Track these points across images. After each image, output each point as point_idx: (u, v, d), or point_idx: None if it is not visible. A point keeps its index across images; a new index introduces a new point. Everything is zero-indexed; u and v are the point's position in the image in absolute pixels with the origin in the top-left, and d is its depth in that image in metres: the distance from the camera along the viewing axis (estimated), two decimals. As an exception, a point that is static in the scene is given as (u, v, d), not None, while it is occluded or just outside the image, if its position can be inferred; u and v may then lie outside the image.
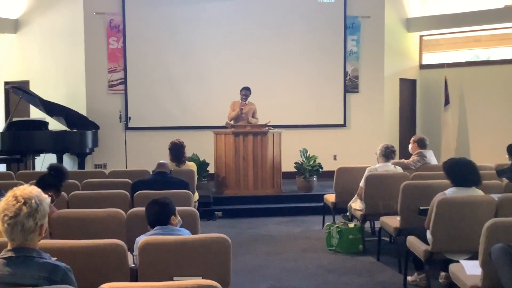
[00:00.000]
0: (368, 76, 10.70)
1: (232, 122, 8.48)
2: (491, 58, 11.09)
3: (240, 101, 8.53)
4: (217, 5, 10.27)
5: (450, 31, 11.32)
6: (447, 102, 10.94)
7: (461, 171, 4.26)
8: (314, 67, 10.48)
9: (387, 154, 5.95)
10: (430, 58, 11.69)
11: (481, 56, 11.31)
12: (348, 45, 10.62)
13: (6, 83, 10.55)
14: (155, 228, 3.29)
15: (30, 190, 2.26)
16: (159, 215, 3.33)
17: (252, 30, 10.35)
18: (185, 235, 3.28)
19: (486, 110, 10.81)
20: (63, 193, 4.62)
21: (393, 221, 5.21)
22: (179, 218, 3.47)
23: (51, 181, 4.13)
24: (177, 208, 3.54)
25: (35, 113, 9.88)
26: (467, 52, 11.41)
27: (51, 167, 4.41)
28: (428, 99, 11.55)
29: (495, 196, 4.24)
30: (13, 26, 10.60)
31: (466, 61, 11.23)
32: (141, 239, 3.06)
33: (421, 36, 11.63)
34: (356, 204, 5.99)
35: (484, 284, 3.31)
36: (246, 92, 8.50)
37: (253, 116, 8.62)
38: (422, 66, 11.66)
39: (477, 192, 4.27)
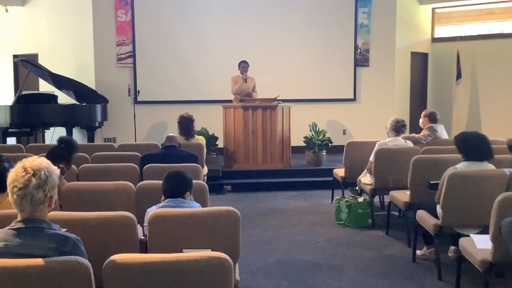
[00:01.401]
0: (379, 49, 10.56)
1: (238, 96, 8.47)
2: (504, 31, 10.90)
3: (241, 75, 8.53)
4: (226, -23, 10.14)
5: (462, 4, 11.11)
6: (459, 76, 10.81)
7: (473, 145, 4.21)
8: (324, 40, 10.35)
9: (397, 128, 5.91)
10: (442, 31, 11.51)
11: (494, 29, 11.11)
12: (359, 17, 10.46)
13: (15, 56, 10.54)
14: (166, 200, 3.28)
15: (39, 161, 2.25)
16: (176, 186, 3.31)
17: (261, 3, 10.22)
18: (196, 208, 3.27)
19: (498, 84, 10.67)
20: (73, 166, 4.63)
21: (402, 196, 5.19)
22: (191, 196, 3.46)
23: (62, 153, 4.14)
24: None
25: (44, 87, 9.89)
26: (480, 25, 11.21)
27: (61, 140, 4.43)
28: (440, 73, 11.42)
29: (507, 170, 4.20)
30: (21, -2, 10.55)
31: (478, 34, 11.05)
32: (151, 210, 3.07)
33: (433, 9, 11.43)
34: (366, 179, 5.97)
35: (495, 258, 3.30)
36: (245, 64, 8.62)
37: (253, 90, 8.67)
38: (434, 40, 11.50)
39: (488, 166, 4.23)
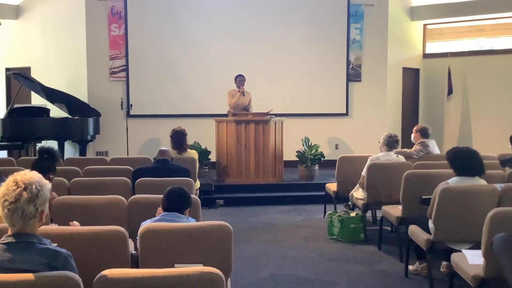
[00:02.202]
0: (371, 65, 10.64)
1: (233, 110, 8.46)
2: (495, 48, 11.03)
3: (237, 89, 8.54)
4: (219, -8, 10.20)
5: (454, 20, 11.23)
6: (450, 91, 10.89)
7: (465, 161, 4.23)
8: (317, 55, 10.41)
9: (390, 143, 5.93)
10: (433, 47, 11.62)
11: (485, 45, 11.24)
12: (351, 33, 10.54)
13: (7, 69, 10.52)
14: (162, 214, 3.29)
15: (31, 175, 2.24)
16: (176, 202, 3.32)
17: (254, 17, 10.28)
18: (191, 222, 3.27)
19: (489, 100, 10.76)
20: (64, 179, 4.62)
21: (395, 210, 5.20)
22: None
23: (49, 164, 4.11)
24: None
25: (37, 100, 9.86)
26: (471, 41, 11.33)
27: (43, 151, 4.40)
28: (431, 89, 11.50)
29: (498, 186, 4.22)
30: (14, 12, 10.55)
31: (469, 51, 11.15)
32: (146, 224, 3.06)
33: (424, 25, 11.55)
34: (358, 193, 5.97)
35: (486, 274, 3.30)
36: (241, 78, 8.57)
37: (248, 104, 8.66)
38: (426, 55, 11.60)
39: (480, 182, 4.25)
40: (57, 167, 4.28)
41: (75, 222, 3.28)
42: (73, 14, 10.03)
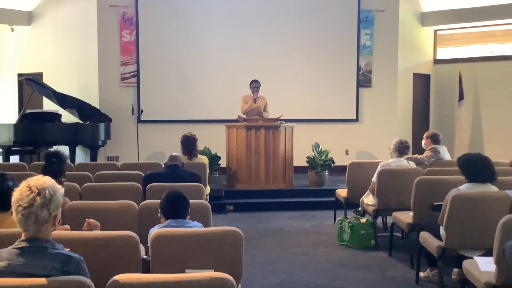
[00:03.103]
0: (381, 70, 10.62)
1: (245, 116, 8.45)
2: (506, 54, 10.96)
3: (252, 94, 8.52)
4: (230, -2, 10.25)
5: (464, 26, 11.19)
6: (461, 97, 10.84)
7: (476, 167, 4.21)
8: (327, 61, 10.42)
9: (400, 149, 5.91)
10: (444, 53, 11.58)
11: (496, 51, 11.18)
12: (362, 39, 10.54)
13: (20, 75, 10.62)
14: (168, 221, 3.28)
15: (44, 180, 2.26)
16: (179, 208, 3.31)
17: (265, 23, 10.31)
18: (198, 228, 3.27)
19: (500, 105, 10.70)
20: (76, 184, 4.65)
21: (405, 217, 5.18)
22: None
23: (59, 167, 4.14)
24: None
25: (48, 105, 9.94)
26: (482, 47, 11.28)
27: (52, 155, 4.42)
28: (442, 94, 11.46)
29: (510, 192, 4.19)
30: (27, 18, 10.66)
31: (480, 56, 11.10)
32: (154, 231, 3.06)
33: (435, 31, 11.52)
34: (368, 199, 5.95)
35: (498, 281, 3.27)
36: (256, 84, 8.52)
37: (264, 110, 8.62)
38: (436, 61, 11.56)
39: (491, 188, 4.23)
40: (66, 170, 4.31)
41: (91, 220, 3.27)
42: (85, 20, 10.12)
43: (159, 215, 3.39)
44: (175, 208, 3.31)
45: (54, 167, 4.12)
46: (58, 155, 4.41)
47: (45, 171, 3.88)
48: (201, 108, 10.16)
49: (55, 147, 9.21)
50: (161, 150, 9.78)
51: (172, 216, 3.30)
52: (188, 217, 3.38)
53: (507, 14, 10.44)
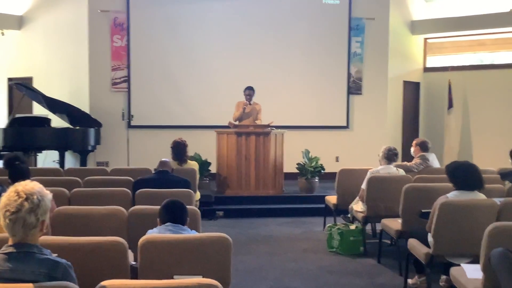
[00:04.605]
0: (371, 78, 10.69)
1: (236, 122, 8.47)
2: (495, 62, 11.07)
3: (245, 101, 8.53)
4: (220, 5, 10.27)
5: (454, 34, 11.30)
6: (450, 105, 10.93)
7: (464, 175, 4.25)
8: (318, 68, 10.47)
9: (389, 156, 5.94)
10: (434, 61, 11.67)
11: (485, 60, 11.29)
12: (352, 46, 10.61)
13: (9, 79, 10.57)
14: (166, 224, 3.27)
15: (32, 185, 2.26)
16: (178, 214, 3.32)
17: (256, 30, 10.35)
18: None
19: (489, 114, 10.79)
20: (65, 189, 4.63)
21: (394, 224, 5.20)
22: None
23: (26, 168, 4.13)
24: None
25: (38, 110, 9.89)
26: (472, 55, 11.39)
27: (14, 158, 4.38)
28: (432, 102, 11.54)
29: (497, 200, 4.23)
30: (17, 22, 10.62)
31: (470, 65, 11.21)
32: (151, 233, 3.06)
33: (425, 39, 11.61)
34: (358, 206, 5.98)
35: (485, 288, 3.30)
36: (249, 91, 8.52)
37: (257, 117, 8.63)
38: (426, 69, 11.65)
39: (479, 196, 4.26)
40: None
41: None
42: (76, 25, 10.09)
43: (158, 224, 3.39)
44: (173, 213, 3.31)
45: (23, 169, 4.10)
46: (19, 157, 4.40)
47: (14, 175, 3.85)
48: (192, 114, 10.16)
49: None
50: (151, 155, 9.71)
51: (171, 220, 3.30)
52: (186, 225, 3.38)
53: (497, 23, 10.55)
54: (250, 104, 8.52)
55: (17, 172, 3.99)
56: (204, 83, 10.19)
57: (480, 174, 4.29)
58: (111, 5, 10.00)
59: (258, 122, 8.54)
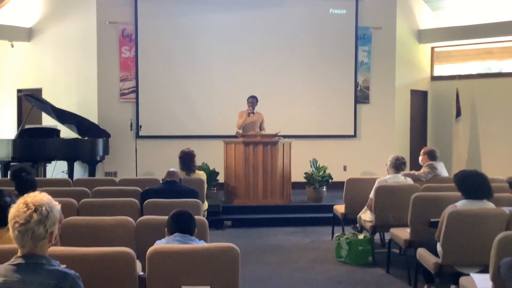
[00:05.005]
0: (379, 87, 10.68)
1: (240, 131, 8.50)
2: (503, 71, 11.04)
3: (248, 109, 8.57)
4: (228, 15, 10.34)
5: (461, 43, 11.29)
6: (458, 114, 10.88)
7: (472, 184, 4.23)
8: (325, 77, 10.48)
9: (397, 165, 5.93)
10: (441, 69, 11.65)
11: (493, 68, 11.25)
12: (359, 56, 10.62)
13: (19, 91, 10.65)
14: (175, 234, 3.28)
15: (41, 197, 2.28)
16: (187, 224, 3.32)
17: (263, 40, 10.38)
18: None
19: (497, 122, 10.74)
20: (73, 200, 4.65)
21: (403, 233, 5.18)
22: None
23: (32, 179, 4.14)
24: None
25: (47, 121, 9.96)
26: (479, 64, 11.36)
27: (20, 170, 4.38)
28: (440, 111, 11.51)
29: (506, 209, 4.21)
30: (27, 34, 10.72)
31: (477, 73, 11.18)
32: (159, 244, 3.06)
33: (432, 48, 11.60)
34: (366, 215, 5.96)
35: (495, 298, 3.27)
36: (252, 100, 8.58)
37: (260, 126, 8.66)
38: (434, 78, 11.63)
39: (488, 205, 4.24)
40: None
41: None
42: (85, 36, 10.18)
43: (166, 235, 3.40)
44: (182, 224, 3.32)
45: (29, 181, 4.12)
46: (25, 169, 4.41)
47: (21, 187, 3.86)
48: (200, 124, 10.20)
49: (56, 164, 9.22)
50: (160, 165, 9.76)
51: (178, 231, 3.30)
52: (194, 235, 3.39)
53: (504, 31, 10.53)
54: (253, 113, 8.55)
55: (24, 184, 4.01)
56: (212, 93, 10.23)
57: (489, 182, 4.27)
58: (119, 17, 10.08)
59: (263, 132, 8.56)
